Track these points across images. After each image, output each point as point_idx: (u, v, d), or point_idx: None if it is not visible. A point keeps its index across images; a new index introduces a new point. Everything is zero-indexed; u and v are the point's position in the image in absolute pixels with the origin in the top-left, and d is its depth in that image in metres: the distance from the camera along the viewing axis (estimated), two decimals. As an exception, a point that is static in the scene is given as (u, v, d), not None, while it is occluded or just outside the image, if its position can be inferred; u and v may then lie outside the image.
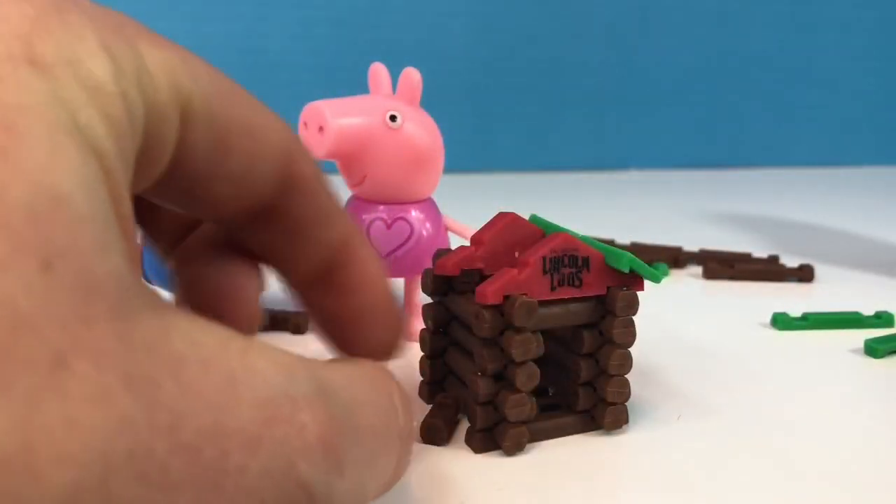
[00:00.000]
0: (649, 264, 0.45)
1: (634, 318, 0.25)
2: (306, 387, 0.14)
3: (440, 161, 0.33)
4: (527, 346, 0.23)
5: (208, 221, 0.19)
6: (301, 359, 0.14)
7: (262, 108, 0.17)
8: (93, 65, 0.13)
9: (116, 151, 0.13)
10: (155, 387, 0.11)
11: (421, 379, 0.28)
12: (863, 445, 0.25)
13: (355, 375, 0.16)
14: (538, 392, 0.24)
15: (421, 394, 0.28)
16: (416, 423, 0.25)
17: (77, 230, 0.11)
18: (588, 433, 0.26)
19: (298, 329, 0.34)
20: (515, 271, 0.23)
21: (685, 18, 0.84)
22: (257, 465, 0.12)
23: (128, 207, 0.13)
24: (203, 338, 0.13)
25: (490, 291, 0.23)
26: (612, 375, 0.25)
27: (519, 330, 0.23)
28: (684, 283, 0.44)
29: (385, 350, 0.20)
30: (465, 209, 0.37)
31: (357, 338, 0.20)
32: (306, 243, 0.18)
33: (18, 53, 0.12)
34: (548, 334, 0.26)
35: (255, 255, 0.19)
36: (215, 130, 0.16)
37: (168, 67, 0.14)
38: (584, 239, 0.25)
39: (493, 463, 0.24)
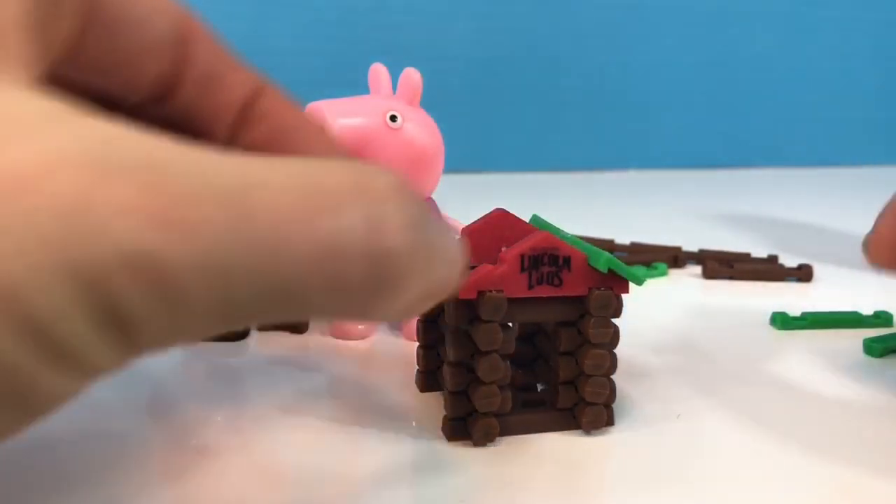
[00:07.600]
0: (649, 264, 0.45)
1: (633, 317, 0.25)
2: (119, 160, 0.12)
3: (440, 161, 0.33)
4: (491, 336, 0.23)
5: (128, 99, 0.19)
6: (160, 142, 0.13)
7: None
8: None
9: None
10: None
11: (417, 368, 0.29)
12: (862, 444, 0.26)
13: (299, 166, 0.14)
14: (526, 387, 0.24)
15: (417, 382, 0.29)
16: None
17: None
18: (588, 433, 0.26)
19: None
20: (492, 267, 0.24)
21: (685, 18, 0.84)
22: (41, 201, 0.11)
23: None
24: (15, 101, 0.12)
25: (462, 286, 0.23)
26: (590, 375, 0.25)
27: (486, 321, 0.23)
28: (684, 283, 0.44)
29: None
30: (465, 209, 0.37)
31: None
32: (221, 90, 0.19)
33: None
34: (540, 331, 0.26)
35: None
36: None
37: None
38: (570, 239, 0.25)
39: (493, 462, 0.24)
